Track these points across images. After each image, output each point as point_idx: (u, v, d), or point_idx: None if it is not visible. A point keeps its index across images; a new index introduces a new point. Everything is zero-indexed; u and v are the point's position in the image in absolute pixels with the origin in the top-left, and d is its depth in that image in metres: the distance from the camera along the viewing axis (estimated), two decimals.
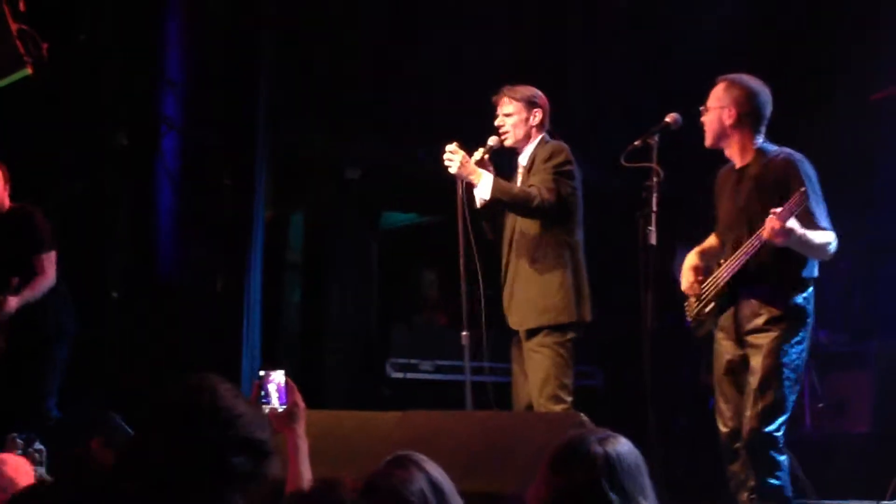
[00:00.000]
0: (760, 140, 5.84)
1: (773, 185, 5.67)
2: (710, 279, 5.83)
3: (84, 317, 7.89)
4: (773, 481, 5.60)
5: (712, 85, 5.94)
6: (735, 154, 5.86)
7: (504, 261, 6.67)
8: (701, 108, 5.91)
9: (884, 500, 6.66)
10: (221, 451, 2.86)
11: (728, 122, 5.81)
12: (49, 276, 7.52)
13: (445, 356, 9.83)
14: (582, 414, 5.06)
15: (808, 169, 5.70)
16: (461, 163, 6.38)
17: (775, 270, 5.68)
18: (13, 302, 7.34)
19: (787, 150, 5.79)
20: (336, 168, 10.54)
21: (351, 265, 10.64)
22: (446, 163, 6.41)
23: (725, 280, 5.72)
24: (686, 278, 5.91)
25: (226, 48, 9.21)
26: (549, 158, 6.50)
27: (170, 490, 2.81)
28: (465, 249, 6.56)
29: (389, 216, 11.64)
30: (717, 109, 5.85)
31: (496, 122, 6.65)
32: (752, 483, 5.68)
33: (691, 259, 5.93)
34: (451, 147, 6.42)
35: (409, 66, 9.99)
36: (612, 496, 2.97)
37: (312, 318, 10.75)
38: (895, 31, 8.78)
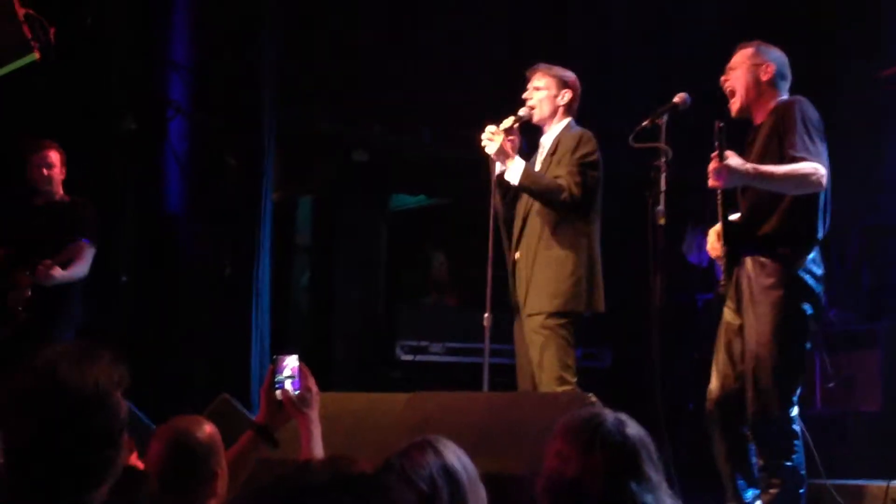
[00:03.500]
0: (784, 95, 5.81)
1: (773, 129, 5.63)
2: None
3: (93, 300, 7.90)
4: (787, 463, 5.56)
5: (725, 57, 5.90)
6: (759, 114, 5.82)
7: (514, 238, 6.65)
8: (724, 77, 5.86)
9: (895, 479, 6.64)
10: (60, 441, 2.64)
11: (765, 77, 5.77)
12: (85, 266, 7.54)
13: (455, 338, 9.83)
14: (591, 395, 5.05)
15: (805, 108, 5.62)
16: (500, 145, 6.37)
17: (768, 228, 5.61)
18: (57, 273, 7.33)
19: (797, 95, 5.75)
20: (344, 150, 10.54)
21: (359, 248, 10.64)
22: (484, 142, 6.40)
23: (720, 241, 5.67)
24: (709, 241, 5.87)
25: (232, 31, 9.20)
26: (577, 148, 6.49)
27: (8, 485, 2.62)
28: (494, 232, 6.58)
29: (398, 198, 11.63)
30: (752, 66, 5.79)
31: (524, 95, 6.65)
32: (760, 462, 5.65)
33: (718, 224, 5.85)
34: (492, 128, 6.43)
35: (416, 47, 9.96)
36: (651, 473, 2.98)
37: (321, 300, 10.76)
38: None
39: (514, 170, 6.39)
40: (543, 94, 6.64)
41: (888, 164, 8.95)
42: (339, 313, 10.53)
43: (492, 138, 6.40)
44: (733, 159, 5.41)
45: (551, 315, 6.38)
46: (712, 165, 5.44)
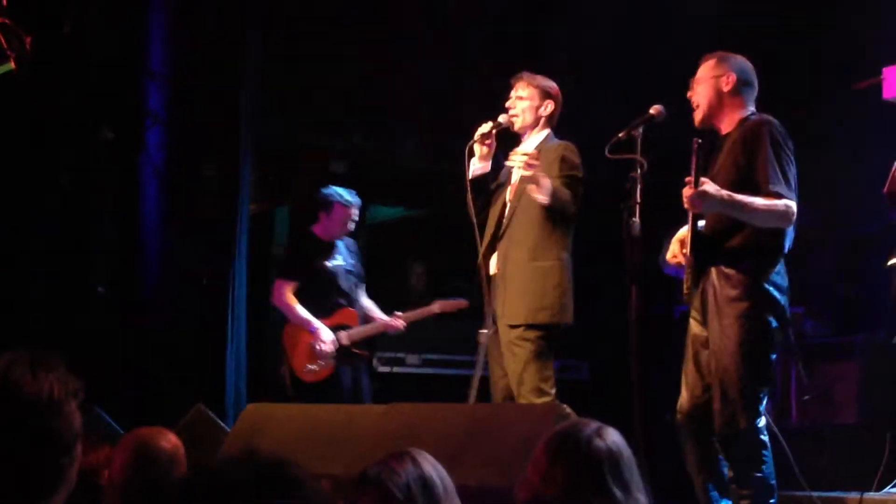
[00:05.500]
0: (752, 109, 5.82)
1: (743, 148, 5.64)
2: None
3: (69, 310, 7.87)
4: (756, 474, 5.57)
5: (698, 65, 5.93)
6: (725, 124, 5.83)
7: (484, 244, 6.63)
8: (690, 92, 5.88)
9: (871, 491, 6.66)
10: (13, 445, 2.58)
11: (727, 88, 5.78)
12: None
13: (432, 350, 9.80)
14: (566, 406, 5.05)
15: (775, 132, 5.63)
16: (536, 168, 6.29)
17: (736, 241, 5.63)
18: None
19: (765, 115, 5.76)
20: (321, 161, 10.52)
21: None
22: (519, 164, 6.32)
23: (687, 251, 5.68)
24: (670, 249, 5.87)
25: (211, 41, 9.18)
26: (563, 161, 6.51)
27: None
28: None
29: (376, 210, 11.61)
30: (712, 79, 5.81)
31: (507, 104, 6.67)
32: (730, 474, 5.66)
33: (682, 231, 5.87)
34: (534, 153, 6.34)
35: (395, 58, 9.96)
36: (616, 490, 2.96)
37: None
38: (878, 20, 8.81)
39: (544, 189, 6.31)
40: (526, 103, 6.67)
41: (865, 176, 8.97)
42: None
43: (532, 163, 6.26)
44: (709, 185, 5.44)
45: (531, 326, 6.38)
46: (688, 191, 5.46)
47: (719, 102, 5.82)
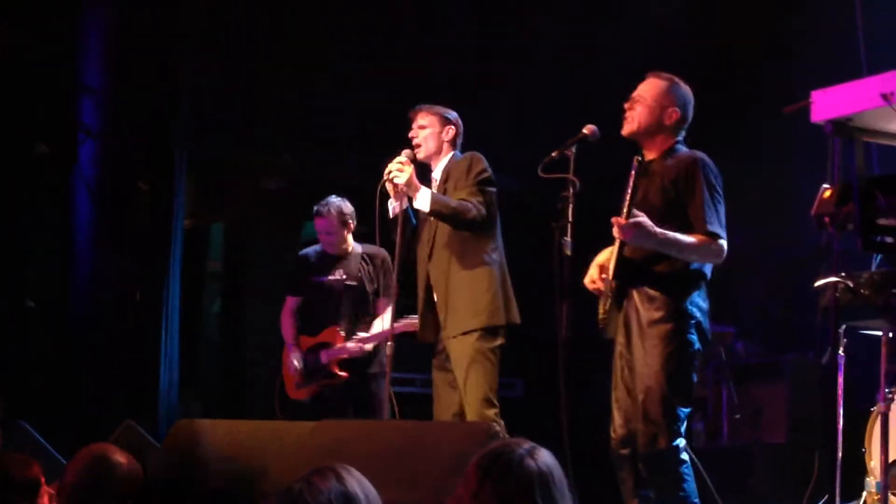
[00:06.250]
0: (680, 139, 5.88)
1: (674, 182, 5.70)
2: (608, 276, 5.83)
3: None
4: (680, 493, 5.60)
5: (642, 78, 5.96)
6: (653, 149, 5.88)
7: (422, 271, 6.70)
8: (630, 99, 5.91)
9: None
10: None
11: (668, 122, 5.82)
12: None
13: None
14: (495, 423, 5.06)
15: (710, 170, 5.71)
16: (410, 174, 6.43)
17: (661, 267, 5.68)
18: None
19: (698, 152, 5.82)
20: (256, 178, 10.50)
21: (272, 275, 10.58)
22: (394, 172, 6.44)
23: (611, 276, 5.73)
24: (589, 274, 5.91)
25: (145, 55, 9.13)
26: (469, 169, 6.61)
27: None
28: (402, 262, 6.63)
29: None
30: (658, 107, 5.83)
31: (410, 135, 6.79)
32: (652, 495, 5.68)
33: (601, 255, 5.92)
34: (406, 158, 6.47)
35: (329, 75, 9.96)
36: None
37: (232, 328, 10.69)
38: (808, 46, 8.92)
39: (422, 197, 6.44)
40: (428, 131, 6.79)
41: (796, 199, 9.05)
42: (250, 341, 10.47)
43: (402, 169, 6.45)
44: (643, 218, 5.49)
45: (479, 334, 6.46)
46: (620, 220, 5.51)
47: (656, 130, 5.85)
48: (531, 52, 10.41)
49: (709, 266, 5.74)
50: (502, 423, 6.24)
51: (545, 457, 3.06)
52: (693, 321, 5.64)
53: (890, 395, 5.85)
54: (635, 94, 5.90)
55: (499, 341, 6.52)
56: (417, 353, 7.34)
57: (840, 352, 6.35)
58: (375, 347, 7.80)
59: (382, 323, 7.78)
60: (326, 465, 3.22)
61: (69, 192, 9.01)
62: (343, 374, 7.82)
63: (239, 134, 9.91)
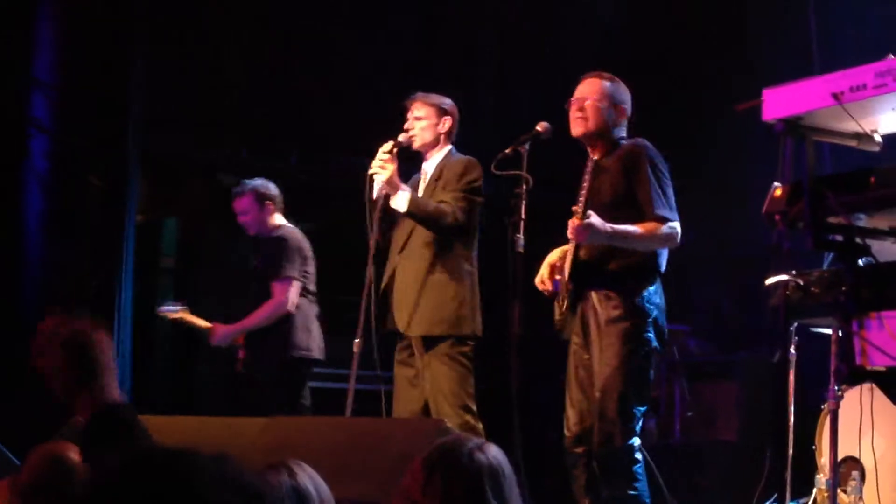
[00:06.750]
0: (624, 134, 5.91)
1: (623, 173, 5.73)
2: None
3: None
4: (630, 492, 5.62)
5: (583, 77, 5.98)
6: (599, 148, 5.90)
7: (391, 265, 6.66)
8: (574, 100, 5.91)
9: None
10: None
11: (617, 120, 5.86)
12: None
13: (323, 363, 9.75)
14: (446, 420, 5.05)
15: (653, 156, 5.76)
16: (391, 172, 6.38)
17: (615, 265, 5.70)
18: None
19: (639, 139, 5.85)
20: (210, 173, 10.45)
21: (224, 270, 10.54)
22: (376, 168, 6.40)
23: (566, 278, 5.75)
24: (540, 274, 5.92)
25: (98, 50, 9.05)
26: (462, 175, 6.59)
27: None
28: (374, 256, 6.60)
29: None
30: (607, 106, 5.87)
31: (406, 126, 6.73)
32: (605, 493, 5.70)
33: (552, 255, 5.93)
34: (384, 154, 6.42)
35: (285, 71, 9.93)
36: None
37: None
38: (761, 44, 8.96)
39: (401, 199, 6.41)
40: (424, 123, 6.75)
41: (751, 197, 9.08)
42: (202, 337, 10.41)
43: (384, 165, 6.40)
44: (595, 218, 5.51)
45: (452, 341, 6.47)
46: (574, 221, 5.52)
47: (606, 129, 5.89)
48: (486, 46, 10.43)
49: (663, 259, 5.76)
50: (481, 426, 6.27)
51: (495, 451, 3.07)
52: (650, 318, 5.67)
53: (840, 393, 5.87)
54: (578, 95, 5.93)
55: (469, 346, 6.54)
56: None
57: (791, 350, 6.39)
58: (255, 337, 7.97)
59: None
60: (278, 460, 3.22)
61: (20, 186, 8.92)
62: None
63: (192, 129, 9.87)
